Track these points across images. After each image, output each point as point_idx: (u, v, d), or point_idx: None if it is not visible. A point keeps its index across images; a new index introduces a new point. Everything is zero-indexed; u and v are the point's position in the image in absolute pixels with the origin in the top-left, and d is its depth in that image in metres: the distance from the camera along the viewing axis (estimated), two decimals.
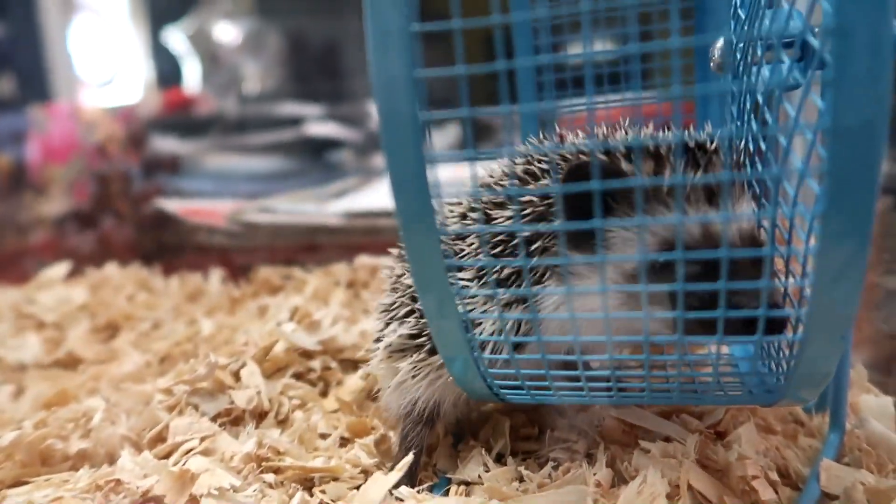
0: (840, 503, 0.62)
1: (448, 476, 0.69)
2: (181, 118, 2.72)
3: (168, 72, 3.32)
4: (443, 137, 3.27)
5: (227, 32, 3.14)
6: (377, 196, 1.85)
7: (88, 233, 2.20)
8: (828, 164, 0.38)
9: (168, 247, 1.93)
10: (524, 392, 0.63)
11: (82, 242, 2.16)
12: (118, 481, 0.59)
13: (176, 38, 3.09)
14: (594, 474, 0.62)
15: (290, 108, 2.77)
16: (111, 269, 1.56)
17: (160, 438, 0.76)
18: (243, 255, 1.81)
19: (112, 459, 0.73)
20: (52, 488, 0.61)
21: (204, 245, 1.95)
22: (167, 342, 1.12)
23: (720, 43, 0.66)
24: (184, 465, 0.66)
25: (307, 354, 0.92)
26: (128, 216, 2.15)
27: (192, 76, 3.17)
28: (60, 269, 1.51)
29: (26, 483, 0.68)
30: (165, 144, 2.54)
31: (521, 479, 0.64)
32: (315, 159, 2.64)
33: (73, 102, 3.10)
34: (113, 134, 2.44)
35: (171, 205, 1.98)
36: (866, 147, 0.37)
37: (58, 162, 2.55)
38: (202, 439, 0.73)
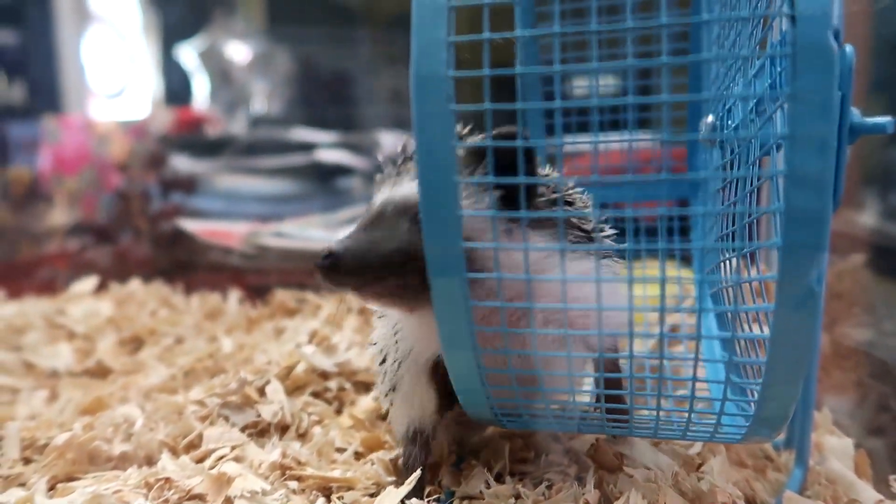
0: None
1: (453, 490, 0.77)
2: (194, 138, 2.77)
3: (177, 87, 3.39)
4: None
5: (238, 51, 3.21)
6: None
7: (106, 247, 2.28)
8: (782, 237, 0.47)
9: (183, 264, 2.01)
10: (522, 419, 0.71)
11: (100, 256, 2.24)
12: (168, 479, 0.66)
13: (187, 54, 3.17)
14: (583, 494, 0.69)
15: (301, 134, 2.84)
16: (135, 285, 1.64)
17: (193, 445, 0.83)
18: (256, 276, 1.89)
19: (150, 462, 0.81)
20: (106, 483, 0.69)
21: (218, 265, 2.03)
22: (190, 357, 1.19)
23: (709, 119, 0.76)
24: (219, 469, 0.74)
25: (324, 375, 1.01)
26: (145, 233, 2.23)
27: (202, 93, 3.24)
28: (89, 283, 1.59)
29: (76, 479, 0.76)
30: (182, 164, 2.61)
31: (518, 497, 0.72)
32: (324, 185, 2.69)
33: (84, 114, 3.17)
34: (135, 153, 2.52)
35: (190, 225, 2.06)
36: (816, 195, 0.44)
37: (68, 173, 2.62)
38: (233, 448, 0.81)
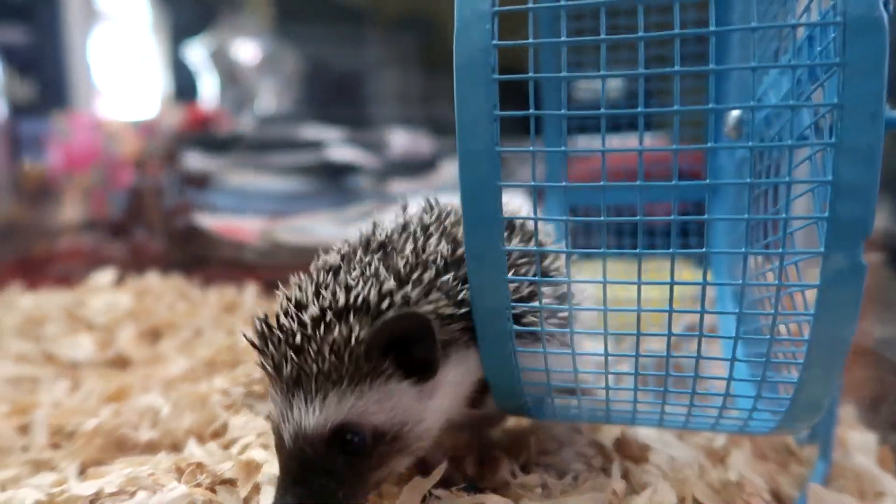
0: None
1: (475, 483, 0.77)
2: (204, 135, 2.78)
3: (185, 86, 3.41)
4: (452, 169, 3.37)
5: (245, 51, 3.23)
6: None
7: (120, 242, 2.29)
8: (829, 211, 0.47)
9: (197, 260, 2.02)
10: (553, 411, 0.71)
11: (114, 251, 2.25)
12: (199, 464, 0.67)
13: (195, 53, 3.18)
14: (610, 484, 0.70)
15: (310, 132, 2.85)
16: (152, 279, 1.65)
17: (219, 433, 0.84)
18: (269, 271, 1.90)
19: (177, 449, 0.81)
20: (138, 467, 0.69)
21: (232, 260, 2.04)
22: (210, 349, 1.20)
23: (736, 113, 0.76)
24: (247, 456, 0.74)
25: None
26: (160, 229, 2.24)
27: (209, 91, 3.25)
28: (108, 275, 1.60)
29: (104, 465, 0.76)
30: (194, 161, 2.62)
31: (544, 486, 0.72)
32: (333, 183, 2.70)
33: (93, 112, 3.18)
34: (149, 149, 2.52)
35: (204, 220, 2.07)
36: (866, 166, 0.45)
37: (78, 170, 2.63)
38: (258, 435, 0.81)
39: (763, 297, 0.72)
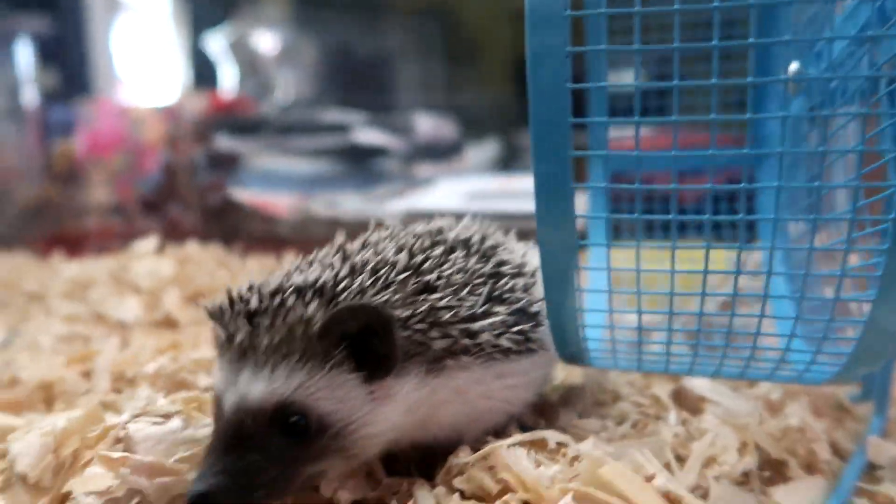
0: (885, 472, 0.70)
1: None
2: (230, 119, 2.80)
3: (204, 76, 3.43)
4: (481, 153, 3.37)
5: (265, 41, 3.24)
6: (436, 198, 1.95)
7: (155, 219, 2.32)
8: None
9: (231, 233, 2.05)
10: (612, 359, 0.72)
11: (149, 228, 2.28)
12: None
13: (215, 43, 3.20)
14: (671, 431, 0.70)
15: (335, 115, 2.86)
16: (192, 248, 1.67)
17: None
18: (302, 245, 1.91)
19: None
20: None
21: (265, 233, 2.06)
22: None
23: (795, 66, 0.75)
24: None
25: None
26: (193, 205, 2.27)
27: (229, 82, 3.28)
28: (150, 242, 1.62)
29: None
30: (223, 143, 2.64)
31: (604, 430, 0.72)
32: (359, 166, 2.70)
33: (118, 99, 3.22)
34: (180, 128, 2.55)
35: (240, 194, 2.09)
36: None
37: (104, 155, 2.67)
38: None
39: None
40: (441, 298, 0.59)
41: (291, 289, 0.56)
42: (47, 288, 1.45)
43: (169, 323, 1.21)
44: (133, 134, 2.71)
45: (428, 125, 2.96)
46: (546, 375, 0.76)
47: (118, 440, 0.58)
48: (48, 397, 0.83)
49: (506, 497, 0.55)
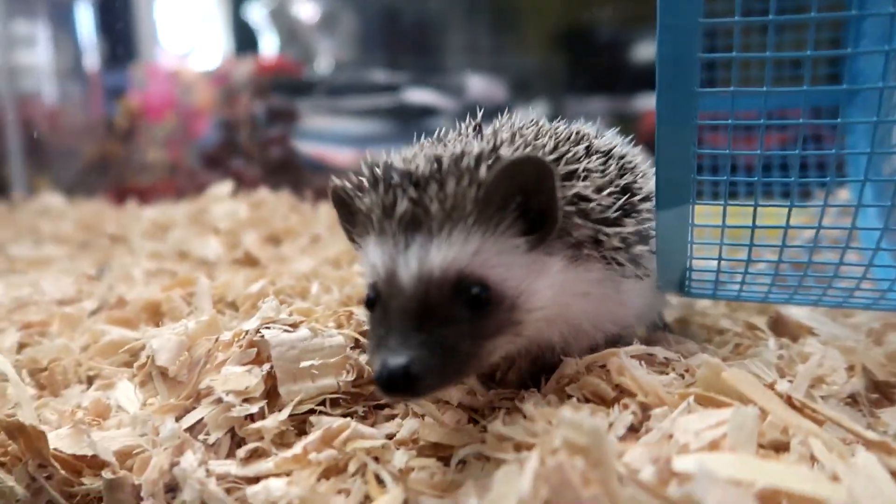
0: None
1: None
2: (280, 80, 2.79)
3: (246, 44, 3.45)
4: (530, 115, 3.33)
5: (304, 9, 3.24)
6: None
7: (217, 173, 2.36)
8: None
9: (294, 184, 2.07)
10: (711, 291, 0.72)
11: (212, 181, 2.33)
12: (351, 312, 0.70)
13: (256, 11, 3.20)
14: (775, 354, 0.70)
15: (385, 76, 2.84)
16: (264, 193, 1.70)
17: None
18: None
19: None
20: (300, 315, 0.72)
21: (326, 186, 2.08)
22: (332, 251, 1.24)
23: None
24: None
25: None
26: (255, 158, 2.30)
27: (269, 49, 3.29)
28: (226, 186, 1.65)
29: None
30: (279, 100, 2.65)
31: (704, 350, 0.72)
32: (410, 126, 2.69)
33: (167, 64, 3.27)
34: (236, 87, 2.58)
35: (303, 146, 2.11)
36: None
37: (155, 119, 2.72)
38: None
39: None
40: (586, 188, 0.58)
41: (451, 156, 0.54)
42: (127, 230, 1.49)
43: (250, 261, 1.24)
44: (183, 97, 2.76)
45: (479, 86, 2.94)
46: (646, 307, 0.73)
47: (252, 344, 0.60)
48: (155, 316, 0.86)
49: (625, 400, 0.56)
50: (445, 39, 3.64)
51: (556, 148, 0.60)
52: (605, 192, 0.60)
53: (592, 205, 0.58)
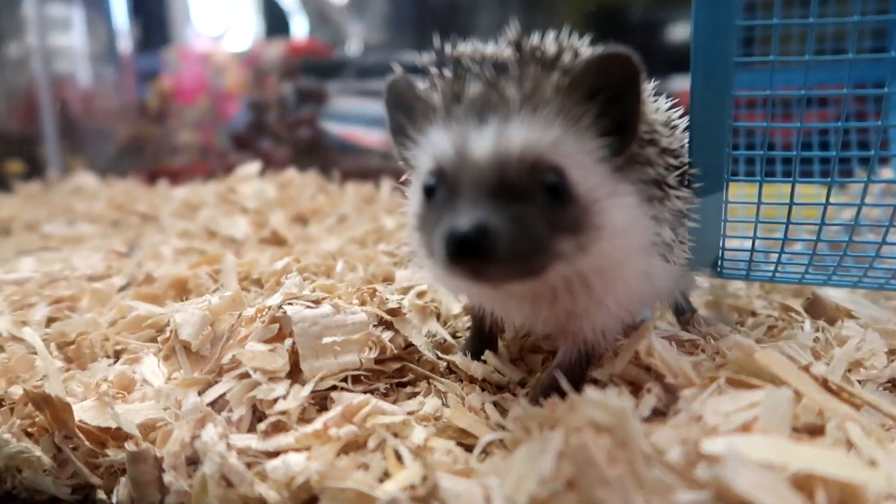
0: None
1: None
2: (310, 62, 2.78)
3: (276, 28, 3.45)
4: None
5: None
6: None
7: (247, 154, 2.37)
8: None
9: (323, 165, 2.07)
10: (744, 272, 0.70)
11: (241, 161, 2.34)
12: (375, 289, 0.69)
13: None
14: (811, 337, 0.67)
15: (412, 58, 2.81)
16: (291, 173, 1.70)
17: (389, 279, 0.87)
18: (392, 175, 1.92)
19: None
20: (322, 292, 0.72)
21: (356, 165, 2.08)
22: (358, 231, 1.23)
23: None
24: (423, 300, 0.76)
25: None
26: (285, 139, 2.30)
27: (299, 32, 3.29)
28: (254, 166, 1.66)
29: None
30: (308, 83, 2.65)
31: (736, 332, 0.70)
32: None
33: (198, 47, 3.29)
34: (266, 68, 2.58)
35: (331, 128, 2.11)
36: None
37: (186, 101, 2.74)
38: (423, 285, 0.82)
39: None
40: (655, 122, 0.55)
41: (530, 51, 0.51)
42: (158, 210, 1.51)
43: (277, 240, 1.24)
44: (214, 80, 2.78)
45: None
46: (665, 290, 0.67)
47: (274, 319, 0.59)
48: (181, 293, 0.86)
49: (651, 382, 0.54)
50: (475, 20, 3.61)
51: None
52: (674, 148, 0.57)
53: (664, 144, 0.55)
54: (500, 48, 0.53)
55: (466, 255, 0.43)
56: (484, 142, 0.47)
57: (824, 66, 0.71)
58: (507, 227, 0.44)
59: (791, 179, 0.61)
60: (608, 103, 0.50)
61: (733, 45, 0.52)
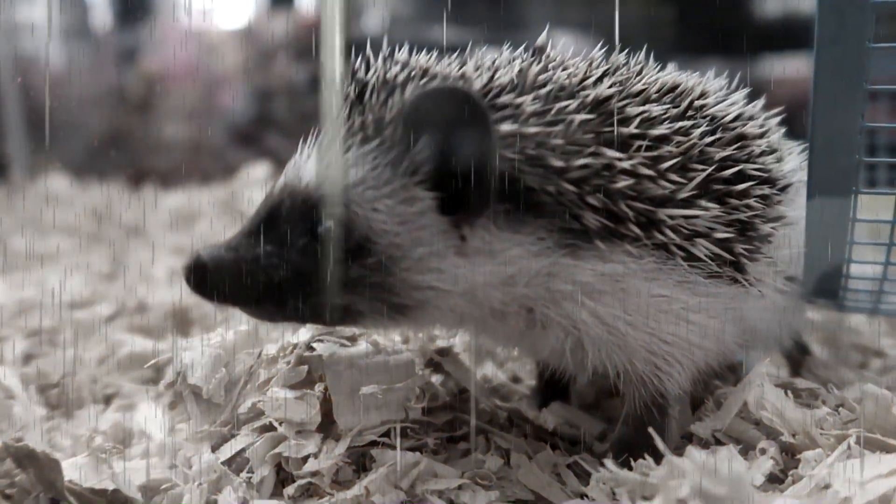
0: None
1: None
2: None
3: None
4: None
5: None
6: None
7: (250, 152, 2.41)
8: None
9: None
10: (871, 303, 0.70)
11: (241, 159, 2.37)
12: None
13: None
14: None
15: (448, 34, 2.83)
16: None
17: None
18: None
19: None
20: None
21: None
22: None
23: None
24: None
25: None
26: (295, 133, 2.31)
27: (310, 2, 3.33)
28: (262, 168, 1.69)
29: None
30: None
31: None
32: None
33: (186, 22, 3.32)
34: (277, 45, 2.61)
35: None
36: None
37: (174, 85, 2.76)
38: None
39: None
40: (627, 160, 0.52)
41: (418, 71, 0.55)
42: (145, 220, 1.54)
43: None
44: (205, 62, 2.80)
45: (566, 44, 2.92)
46: (743, 329, 0.62)
47: (301, 360, 0.60)
48: (182, 324, 0.89)
49: (764, 442, 0.54)
50: None
51: (605, 101, 0.55)
52: (676, 164, 0.54)
53: (635, 183, 0.53)
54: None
55: (187, 281, 0.57)
56: (289, 172, 0.57)
57: None
58: (232, 266, 0.55)
59: None
60: (441, 147, 0.52)
61: (868, 26, 0.52)
